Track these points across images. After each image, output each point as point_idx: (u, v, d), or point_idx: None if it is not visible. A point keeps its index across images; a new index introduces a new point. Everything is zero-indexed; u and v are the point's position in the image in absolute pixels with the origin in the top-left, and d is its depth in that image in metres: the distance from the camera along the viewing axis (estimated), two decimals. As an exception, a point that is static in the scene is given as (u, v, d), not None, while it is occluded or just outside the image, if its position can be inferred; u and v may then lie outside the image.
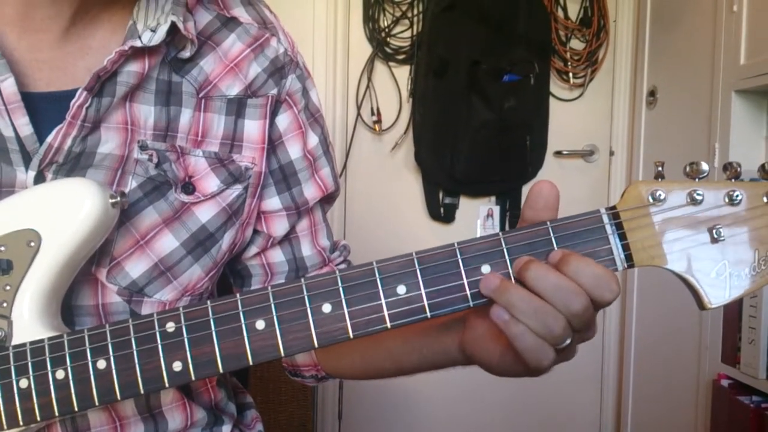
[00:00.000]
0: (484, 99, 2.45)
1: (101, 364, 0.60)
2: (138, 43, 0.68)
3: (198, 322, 0.59)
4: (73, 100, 0.65)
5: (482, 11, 2.45)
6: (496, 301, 0.56)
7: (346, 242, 0.90)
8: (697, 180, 0.57)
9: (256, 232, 0.81)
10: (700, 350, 2.10)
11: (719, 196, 0.57)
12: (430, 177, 2.60)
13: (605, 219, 0.58)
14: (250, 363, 0.59)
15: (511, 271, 0.57)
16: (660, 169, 0.58)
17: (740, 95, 1.97)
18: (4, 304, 0.62)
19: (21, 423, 0.61)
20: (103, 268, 0.69)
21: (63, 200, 0.62)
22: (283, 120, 0.80)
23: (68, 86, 0.68)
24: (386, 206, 2.64)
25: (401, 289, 0.58)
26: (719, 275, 0.57)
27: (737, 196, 0.57)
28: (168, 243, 0.72)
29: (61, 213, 0.62)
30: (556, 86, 2.65)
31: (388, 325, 0.58)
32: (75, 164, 0.67)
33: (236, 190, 0.76)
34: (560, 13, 2.61)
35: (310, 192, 0.83)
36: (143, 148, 0.70)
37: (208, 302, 0.59)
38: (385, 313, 0.58)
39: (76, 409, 0.60)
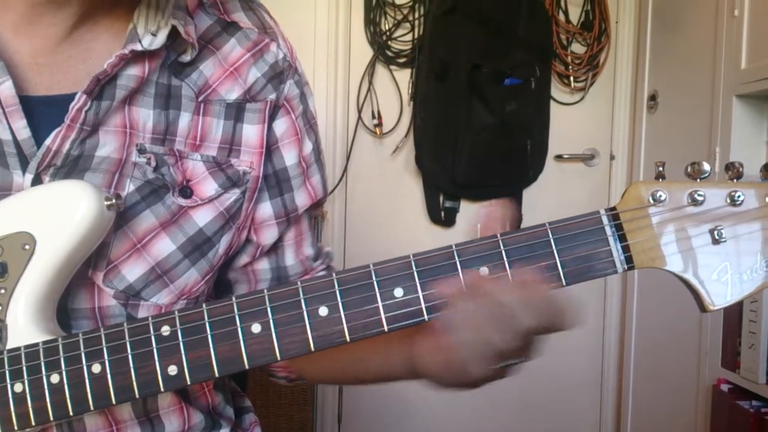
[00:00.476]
0: (484, 102, 2.45)
1: (96, 368, 0.59)
2: (138, 47, 0.68)
3: (193, 325, 0.59)
4: (73, 103, 0.65)
5: (483, 14, 2.45)
6: (448, 308, 0.57)
7: (329, 249, 0.91)
8: (698, 180, 0.57)
9: (247, 240, 0.81)
10: (700, 355, 2.09)
11: (721, 197, 0.56)
12: (430, 180, 2.60)
13: (605, 220, 0.57)
14: (246, 367, 0.58)
15: (509, 274, 0.57)
16: (661, 169, 0.58)
17: (741, 99, 1.96)
18: (-1, 308, 0.62)
19: (16, 427, 0.60)
20: (99, 271, 0.69)
21: (58, 203, 0.62)
22: (281, 125, 0.80)
23: (68, 90, 0.68)
24: (387, 210, 2.63)
25: (398, 292, 0.58)
26: (721, 277, 0.56)
27: (739, 196, 0.56)
28: (165, 247, 0.72)
29: (56, 215, 0.62)
30: (556, 90, 2.65)
31: (386, 328, 0.58)
32: (73, 167, 0.67)
33: (234, 194, 0.75)
34: (561, 17, 2.61)
35: (301, 199, 0.83)
36: (142, 151, 0.70)
37: (204, 305, 0.59)
38: (382, 316, 0.57)
39: (71, 413, 0.60)
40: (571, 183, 2.69)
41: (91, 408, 0.60)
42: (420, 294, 0.57)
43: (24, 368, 0.60)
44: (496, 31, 2.46)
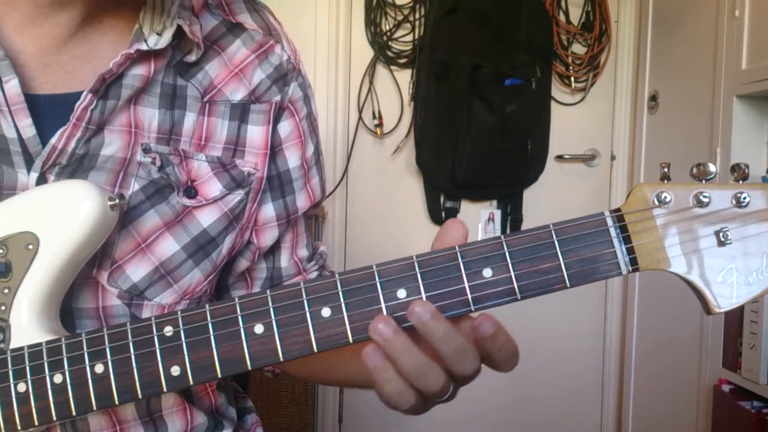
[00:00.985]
0: (485, 103, 2.45)
1: (99, 368, 0.59)
2: (144, 47, 0.68)
3: (196, 326, 0.59)
4: (78, 102, 0.65)
5: (484, 15, 2.45)
6: (379, 346, 0.56)
7: (324, 248, 0.91)
8: (703, 182, 0.56)
9: (246, 243, 0.81)
10: (701, 355, 2.09)
11: (726, 199, 0.56)
12: (431, 181, 2.60)
13: (609, 222, 0.57)
14: (249, 367, 0.58)
15: (512, 275, 0.57)
16: (666, 170, 0.57)
17: (742, 100, 1.96)
18: (2, 308, 0.62)
19: (19, 427, 0.60)
20: (104, 271, 0.69)
21: (62, 202, 0.62)
22: (285, 127, 0.80)
23: (74, 89, 0.68)
24: (387, 210, 2.63)
25: (401, 293, 0.57)
26: (726, 279, 0.56)
27: (745, 198, 0.55)
28: (169, 246, 0.72)
29: (60, 215, 0.62)
30: (557, 90, 2.65)
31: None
32: (78, 166, 0.67)
33: (238, 195, 0.76)
34: (562, 17, 2.61)
35: (302, 202, 0.83)
36: (147, 151, 0.70)
37: (207, 306, 0.59)
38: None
39: (74, 413, 0.60)
40: (572, 183, 2.70)
41: (94, 408, 0.60)
42: (423, 295, 0.57)
43: (27, 368, 0.60)
44: (496, 31, 2.46)
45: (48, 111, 0.66)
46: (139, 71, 0.69)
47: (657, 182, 0.57)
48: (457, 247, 0.57)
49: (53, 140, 0.65)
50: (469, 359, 0.57)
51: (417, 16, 2.55)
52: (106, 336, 0.59)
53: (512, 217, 2.65)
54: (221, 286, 0.85)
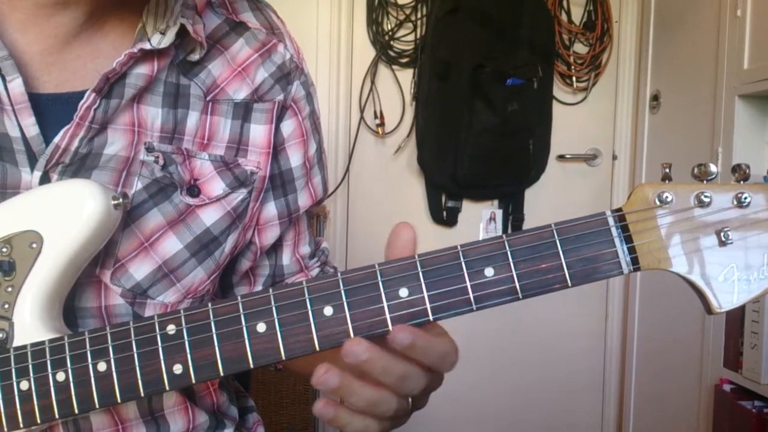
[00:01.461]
0: (487, 103, 2.45)
1: (102, 366, 0.59)
2: (147, 46, 0.68)
3: (199, 324, 0.59)
4: (82, 102, 0.65)
5: (485, 15, 2.45)
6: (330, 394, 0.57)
7: (326, 245, 0.92)
8: (705, 182, 0.57)
9: (248, 243, 0.81)
10: (702, 355, 2.09)
11: (727, 199, 0.56)
12: (432, 180, 2.60)
13: (611, 221, 0.57)
14: (251, 366, 0.58)
15: (514, 274, 0.57)
16: (667, 170, 0.57)
17: (744, 100, 1.96)
18: (6, 306, 0.62)
19: (21, 425, 0.61)
20: (107, 269, 0.69)
21: (65, 201, 0.62)
22: (288, 126, 0.80)
23: (77, 88, 0.68)
24: (389, 209, 2.63)
25: (403, 292, 0.57)
26: (727, 279, 0.56)
27: (746, 198, 0.56)
28: (172, 245, 0.72)
29: (64, 214, 0.62)
30: (559, 90, 2.65)
31: (390, 328, 0.57)
32: (81, 165, 0.67)
33: (241, 193, 0.76)
34: (564, 17, 2.61)
35: (303, 200, 0.84)
36: (150, 150, 0.70)
37: (209, 305, 0.59)
38: (387, 316, 0.57)
39: (76, 411, 0.60)
40: (574, 183, 2.70)
41: (97, 406, 0.60)
42: (425, 294, 0.57)
43: (30, 366, 0.60)
44: (498, 31, 2.46)
45: (51, 110, 0.66)
46: (143, 70, 0.69)
47: (658, 182, 0.57)
48: (459, 247, 0.57)
49: (56, 139, 0.65)
50: (413, 381, 0.58)
51: (419, 15, 2.55)
52: (108, 334, 0.60)
53: (513, 216, 2.65)
54: (226, 285, 0.86)
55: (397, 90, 2.58)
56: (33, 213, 0.62)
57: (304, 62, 0.83)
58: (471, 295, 0.57)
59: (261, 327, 0.58)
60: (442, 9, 2.46)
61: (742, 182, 0.56)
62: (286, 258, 0.86)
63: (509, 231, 2.63)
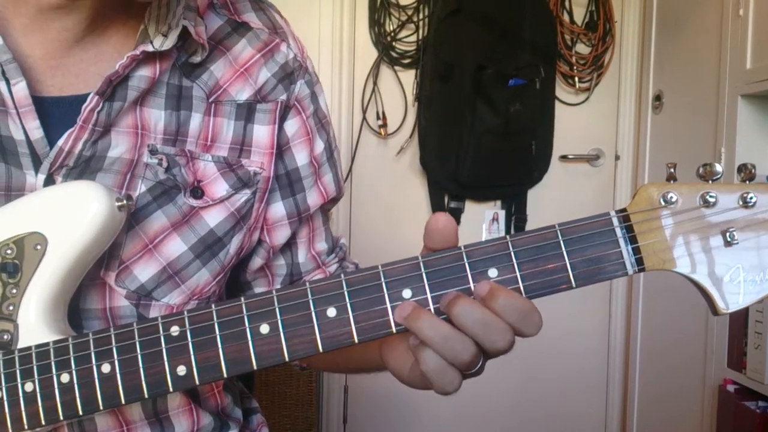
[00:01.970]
0: (489, 103, 2.45)
1: (106, 367, 0.59)
2: (150, 48, 0.68)
3: (202, 326, 0.59)
4: (85, 104, 0.66)
5: (488, 16, 2.45)
6: (408, 328, 0.56)
7: (344, 241, 0.91)
8: (710, 182, 0.56)
9: (259, 242, 0.81)
10: (706, 355, 2.09)
11: (733, 199, 0.56)
12: (435, 181, 2.60)
13: (615, 222, 0.56)
14: (254, 367, 0.58)
15: (518, 275, 0.57)
16: (672, 170, 0.57)
17: (746, 99, 1.96)
18: (11, 308, 0.62)
19: (26, 426, 0.61)
20: (111, 271, 0.69)
21: (69, 203, 0.62)
22: (292, 126, 0.80)
23: (80, 91, 0.68)
24: (391, 210, 2.63)
25: (407, 293, 0.57)
26: (733, 280, 0.55)
27: (751, 198, 0.55)
28: (176, 247, 0.72)
29: (68, 216, 0.62)
30: (561, 90, 2.65)
31: (393, 329, 0.57)
32: (85, 168, 0.67)
33: (245, 194, 0.76)
34: (566, 17, 2.61)
35: (313, 199, 0.83)
36: (153, 152, 0.70)
37: (213, 306, 0.59)
38: (391, 317, 0.57)
39: (80, 413, 0.60)
40: (576, 183, 2.69)
41: (101, 407, 0.60)
42: (428, 295, 0.57)
43: (35, 367, 0.60)
44: (500, 32, 2.46)
45: (55, 113, 0.67)
46: (145, 73, 0.69)
47: (663, 182, 0.57)
48: (462, 247, 0.57)
49: (60, 142, 0.65)
50: (495, 330, 0.56)
51: (421, 16, 2.55)
52: (112, 336, 0.60)
53: (516, 217, 2.65)
54: (241, 284, 0.86)
55: (399, 91, 2.58)
56: (37, 215, 0.62)
57: (308, 61, 0.83)
58: (475, 296, 0.57)
59: (264, 328, 0.58)
60: (444, 10, 2.46)
61: (747, 182, 0.56)
62: (302, 255, 0.86)
63: (512, 232, 2.63)
